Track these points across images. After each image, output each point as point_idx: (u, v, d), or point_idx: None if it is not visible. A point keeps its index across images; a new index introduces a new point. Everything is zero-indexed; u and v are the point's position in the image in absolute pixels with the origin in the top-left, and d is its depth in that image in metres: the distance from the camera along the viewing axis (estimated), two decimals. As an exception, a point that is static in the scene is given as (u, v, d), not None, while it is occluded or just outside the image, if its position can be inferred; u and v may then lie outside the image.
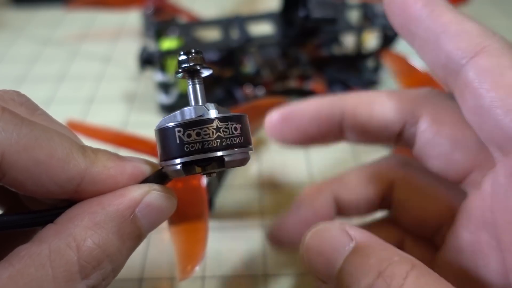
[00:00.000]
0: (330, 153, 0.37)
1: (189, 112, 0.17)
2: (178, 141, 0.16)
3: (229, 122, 0.17)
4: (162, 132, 0.17)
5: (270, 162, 0.37)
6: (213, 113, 0.17)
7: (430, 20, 0.20)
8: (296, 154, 0.37)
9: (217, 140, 0.16)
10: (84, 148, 0.17)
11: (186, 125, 0.16)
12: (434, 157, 0.22)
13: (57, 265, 0.15)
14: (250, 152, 0.18)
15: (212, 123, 0.16)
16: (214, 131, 0.16)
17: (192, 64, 0.17)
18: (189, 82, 0.18)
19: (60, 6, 0.58)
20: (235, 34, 0.42)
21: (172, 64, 0.40)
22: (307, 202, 0.25)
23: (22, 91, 0.18)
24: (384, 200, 0.25)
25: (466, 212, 0.21)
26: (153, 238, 0.30)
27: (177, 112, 0.17)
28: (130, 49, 0.50)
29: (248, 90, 0.41)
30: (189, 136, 0.16)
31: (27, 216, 0.17)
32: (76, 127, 0.33)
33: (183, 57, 0.17)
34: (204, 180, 0.26)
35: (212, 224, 0.30)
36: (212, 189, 0.32)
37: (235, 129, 0.17)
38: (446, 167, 0.22)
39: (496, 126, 0.17)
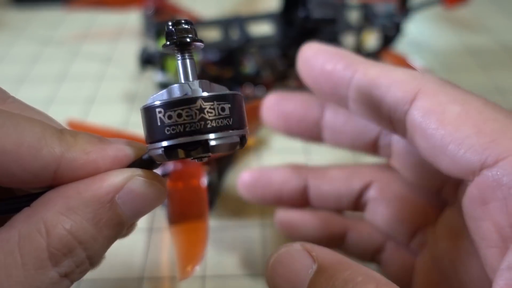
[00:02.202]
0: (330, 153, 0.37)
1: (175, 90, 0.15)
2: (159, 123, 0.15)
3: (215, 102, 0.15)
4: (146, 112, 0.15)
5: (270, 162, 0.37)
6: (197, 91, 0.15)
7: (357, 80, 0.20)
8: (296, 154, 0.37)
9: (201, 122, 0.15)
10: (61, 132, 0.16)
11: (167, 106, 0.15)
12: (409, 167, 0.23)
13: (26, 252, 0.14)
14: (244, 135, 0.16)
15: (195, 103, 0.15)
16: (197, 112, 0.15)
17: (181, 36, 0.16)
18: (178, 57, 0.16)
19: (60, 6, 0.58)
20: (235, 34, 0.42)
21: (172, 64, 0.40)
22: (279, 176, 0.26)
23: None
24: (361, 198, 0.25)
25: (444, 221, 0.22)
26: (153, 238, 0.30)
27: (165, 89, 0.16)
28: (130, 49, 0.50)
29: (248, 90, 0.41)
30: (170, 117, 0.15)
31: (4, 202, 0.16)
32: (77, 127, 0.33)
33: (171, 29, 0.16)
34: (204, 180, 0.27)
35: (212, 224, 0.30)
36: (212, 189, 0.32)
37: (223, 109, 0.15)
38: (420, 176, 0.22)
39: (452, 161, 0.17)
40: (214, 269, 0.28)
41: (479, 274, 0.19)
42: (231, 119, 0.15)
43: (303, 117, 0.25)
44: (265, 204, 0.27)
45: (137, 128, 0.36)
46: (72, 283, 0.16)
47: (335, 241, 0.26)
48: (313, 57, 0.22)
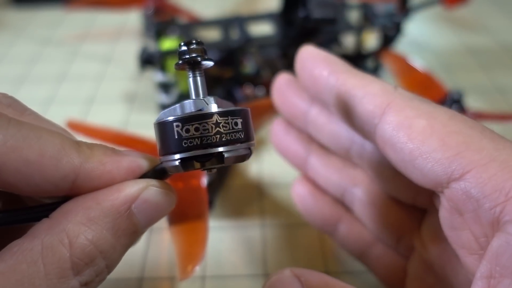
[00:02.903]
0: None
1: (189, 106, 0.16)
2: (176, 136, 0.16)
3: (229, 117, 0.16)
4: (161, 126, 0.16)
5: (270, 162, 0.37)
6: (213, 107, 0.16)
7: (336, 88, 0.21)
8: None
9: (217, 136, 0.16)
10: (78, 144, 0.16)
11: (185, 120, 0.16)
12: (380, 178, 0.23)
13: (49, 261, 0.15)
14: (251, 147, 0.17)
15: (211, 118, 0.16)
16: (214, 126, 0.16)
17: (193, 55, 0.17)
18: (189, 74, 0.17)
19: (60, 6, 0.58)
20: (235, 34, 0.42)
21: (172, 64, 0.40)
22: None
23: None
24: (345, 193, 0.25)
25: (428, 226, 0.22)
26: (153, 238, 0.30)
27: (177, 105, 0.17)
28: (130, 49, 0.50)
29: (248, 90, 0.41)
30: (187, 131, 0.16)
31: (22, 212, 0.17)
32: (77, 127, 0.33)
33: (183, 48, 0.17)
34: (204, 180, 0.26)
35: (212, 224, 0.30)
36: (212, 189, 0.32)
37: (236, 124, 0.16)
38: (395, 187, 0.23)
39: (421, 174, 0.18)
40: (214, 269, 0.28)
41: (467, 279, 0.19)
42: (243, 133, 0.17)
43: (295, 104, 0.25)
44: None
45: (137, 128, 0.36)
46: None
47: (327, 226, 0.26)
48: (306, 60, 0.23)
